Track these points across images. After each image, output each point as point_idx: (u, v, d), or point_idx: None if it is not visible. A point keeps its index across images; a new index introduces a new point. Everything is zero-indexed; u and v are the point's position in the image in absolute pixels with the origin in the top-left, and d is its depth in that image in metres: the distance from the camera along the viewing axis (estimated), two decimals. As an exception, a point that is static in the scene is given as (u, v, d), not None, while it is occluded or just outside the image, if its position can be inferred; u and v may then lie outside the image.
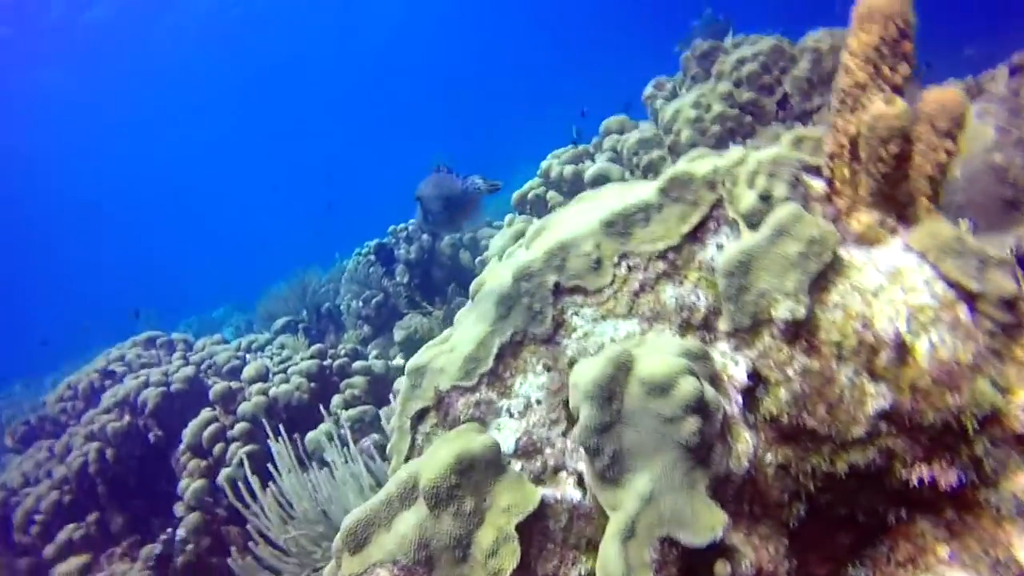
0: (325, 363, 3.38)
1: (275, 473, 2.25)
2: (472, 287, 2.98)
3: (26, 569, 3.33)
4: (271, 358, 3.77)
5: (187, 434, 3.09)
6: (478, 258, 4.62)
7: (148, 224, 36.36)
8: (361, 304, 5.17)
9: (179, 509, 3.07)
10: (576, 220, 1.59)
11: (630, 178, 3.34)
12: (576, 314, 1.48)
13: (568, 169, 3.63)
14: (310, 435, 2.86)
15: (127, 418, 3.56)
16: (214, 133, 32.19)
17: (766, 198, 1.27)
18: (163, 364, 4.05)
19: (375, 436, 2.87)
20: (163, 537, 3.14)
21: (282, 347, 4.36)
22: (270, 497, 2.15)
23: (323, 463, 2.60)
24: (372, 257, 5.42)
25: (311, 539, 2.06)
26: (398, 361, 4.03)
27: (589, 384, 0.98)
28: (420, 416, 1.54)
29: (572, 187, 3.62)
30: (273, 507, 2.14)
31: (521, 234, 3.50)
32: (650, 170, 3.20)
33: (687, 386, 0.93)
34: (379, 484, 2.20)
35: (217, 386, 3.27)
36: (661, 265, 1.46)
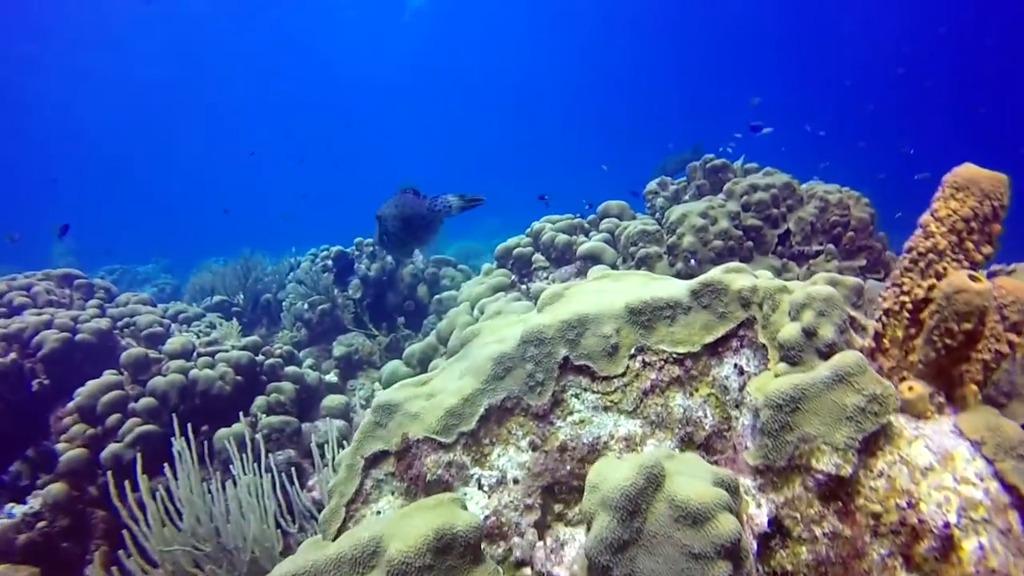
0: (258, 359, 3.09)
1: (168, 471, 1.97)
2: (442, 328, 2.82)
3: None
4: (198, 336, 3.44)
5: (81, 393, 2.72)
6: (436, 296, 4.48)
7: (99, 155, 34.27)
8: (306, 307, 4.88)
9: (40, 476, 2.67)
10: (599, 297, 1.49)
11: (621, 265, 3.30)
12: (577, 396, 1.36)
13: (561, 238, 3.57)
14: (220, 432, 2.56)
15: (12, 355, 3.14)
16: (205, 87, 30.97)
17: (810, 334, 1.20)
18: (75, 308, 3.64)
19: (291, 452, 2.60)
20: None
21: (212, 326, 4.01)
22: (156, 500, 1.86)
23: (228, 468, 2.31)
24: (329, 263, 5.19)
25: (192, 559, 1.78)
26: (332, 378, 3.76)
27: (614, 491, 0.85)
28: (376, 459, 1.36)
29: (561, 255, 3.56)
30: (157, 509, 1.85)
31: (500, 288, 3.39)
32: (644, 263, 3.17)
33: (727, 524, 0.82)
34: (290, 511, 1.96)
35: (132, 350, 2.93)
36: (676, 370, 1.37)
